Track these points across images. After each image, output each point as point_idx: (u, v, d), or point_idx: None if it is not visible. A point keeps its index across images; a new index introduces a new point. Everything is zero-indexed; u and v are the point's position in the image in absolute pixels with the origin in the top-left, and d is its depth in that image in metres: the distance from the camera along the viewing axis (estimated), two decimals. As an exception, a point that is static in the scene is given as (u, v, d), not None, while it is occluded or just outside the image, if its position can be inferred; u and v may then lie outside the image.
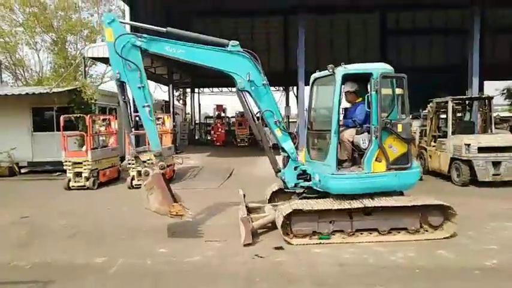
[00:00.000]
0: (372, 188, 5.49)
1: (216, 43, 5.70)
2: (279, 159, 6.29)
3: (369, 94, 5.50)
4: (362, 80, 5.84)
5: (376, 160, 5.46)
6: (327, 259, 4.79)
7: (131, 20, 13.28)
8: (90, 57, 16.09)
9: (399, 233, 5.47)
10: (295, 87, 26.81)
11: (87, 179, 9.96)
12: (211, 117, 26.31)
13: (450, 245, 5.20)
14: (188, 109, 30.07)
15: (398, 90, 5.82)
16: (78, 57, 22.03)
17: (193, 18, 23.35)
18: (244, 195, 6.71)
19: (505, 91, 25.62)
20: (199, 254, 5.07)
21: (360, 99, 5.99)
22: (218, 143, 21.65)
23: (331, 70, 5.53)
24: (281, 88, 28.29)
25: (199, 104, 30.58)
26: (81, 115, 11.13)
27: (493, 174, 9.17)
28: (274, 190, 6.74)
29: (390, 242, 5.31)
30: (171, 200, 5.54)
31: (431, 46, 23.13)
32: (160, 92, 23.24)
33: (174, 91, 24.19)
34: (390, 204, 5.34)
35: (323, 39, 22.12)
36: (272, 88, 32.60)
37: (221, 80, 26.97)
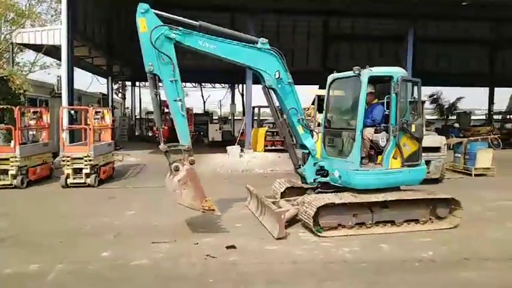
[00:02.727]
0: (390, 183, 5.96)
1: (245, 39, 5.79)
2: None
3: (388, 96, 5.88)
4: (376, 82, 6.20)
5: (393, 157, 5.88)
6: (280, 257, 4.82)
7: (68, 7, 12.27)
8: (19, 44, 14.61)
9: (416, 223, 5.92)
10: (240, 85, 26.93)
11: (15, 176, 9.03)
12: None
13: (391, 238, 5.52)
14: (128, 103, 28.71)
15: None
16: (2, 43, 19.88)
17: (136, 9, 22.30)
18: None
19: (431, 97, 28.00)
20: (146, 256, 4.82)
21: (376, 100, 6.34)
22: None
23: (357, 72, 5.80)
24: (226, 85, 28.15)
25: (140, 99, 29.33)
26: (9, 107, 10.05)
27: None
28: (286, 186, 6.95)
29: (406, 232, 5.73)
30: (204, 195, 5.43)
31: (368, 52, 24.54)
32: (97, 84, 21.86)
33: (113, 84, 22.91)
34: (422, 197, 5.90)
35: (269, 38, 22.31)
36: (218, 85, 32.43)
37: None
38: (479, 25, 23.91)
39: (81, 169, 9.30)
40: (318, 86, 18.22)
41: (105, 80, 21.40)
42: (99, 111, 11.28)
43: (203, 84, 31.22)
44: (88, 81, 21.33)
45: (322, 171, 6.27)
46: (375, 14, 21.65)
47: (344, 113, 6.72)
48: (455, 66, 25.28)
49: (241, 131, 14.85)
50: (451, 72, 24.76)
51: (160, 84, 5.60)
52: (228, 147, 13.42)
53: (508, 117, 23.86)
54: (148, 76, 5.41)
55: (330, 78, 6.59)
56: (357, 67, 5.85)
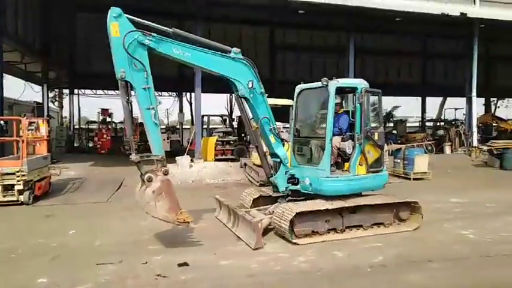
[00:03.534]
0: (358, 189, 6.25)
1: (218, 48, 5.79)
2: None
3: (353, 105, 6.17)
4: (340, 92, 6.42)
5: (359, 164, 6.15)
6: (236, 271, 4.69)
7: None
8: None
9: (379, 227, 6.21)
10: (188, 93, 26.43)
11: None
12: (95, 122, 23.98)
13: (344, 245, 5.63)
14: (65, 112, 26.85)
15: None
16: None
17: (75, 13, 21.19)
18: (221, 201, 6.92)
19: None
20: (90, 280, 4.43)
21: (342, 109, 6.54)
22: (103, 151, 19.79)
23: (325, 83, 5.99)
24: (174, 94, 27.45)
25: (79, 107, 27.52)
26: None
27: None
28: (256, 196, 6.94)
29: (375, 235, 5.96)
30: (179, 207, 5.18)
31: (312, 63, 25.43)
32: (31, 92, 20.18)
33: (49, 92, 21.32)
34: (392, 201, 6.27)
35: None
36: (165, 94, 31.45)
37: (106, 81, 24.90)
38: (411, 39, 25.90)
39: (12, 185, 8.44)
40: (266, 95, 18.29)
41: (40, 87, 19.84)
42: (34, 122, 10.38)
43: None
44: (20, 89, 19.55)
45: (292, 179, 6.37)
46: (318, 26, 22.58)
47: (312, 122, 6.95)
48: (391, 77, 27.02)
49: (190, 140, 14.50)
50: (388, 83, 26.37)
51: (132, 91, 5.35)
52: (177, 158, 13.01)
53: (438, 124, 25.93)
54: (119, 83, 5.17)
55: (297, 88, 6.77)
56: (325, 78, 6.07)
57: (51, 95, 26.07)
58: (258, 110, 6.10)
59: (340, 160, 6.43)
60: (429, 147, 16.74)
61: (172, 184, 5.28)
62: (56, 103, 27.90)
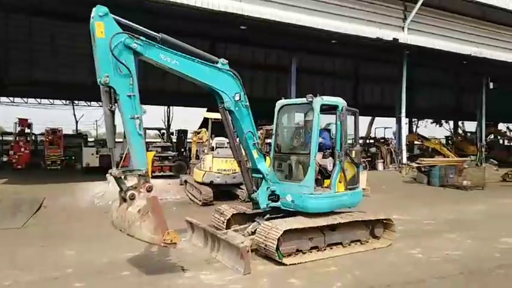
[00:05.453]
0: (338, 206, 6.25)
1: (206, 58, 5.64)
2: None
3: (335, 123, 6.18)
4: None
5: (338, 181, 6.12)
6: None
7: None
8: None
9: (356, 244, 6.25)
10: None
11: None
12: (11, 133, 21.34)
13: (299, 270, 5.27)
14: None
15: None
16: None
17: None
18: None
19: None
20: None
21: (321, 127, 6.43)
22: (20, 166, 17.52)
23: (310, 99, 5.95)
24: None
25: (-8, 117, 24.44)
26: None
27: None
28: (229, 216, 6.59)
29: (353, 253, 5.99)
30: (166, 226, 4.66)
31: (252, 79, 25.54)
32: None
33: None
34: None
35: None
36: (94, 103, 29.16)
37: (26, 88, 22.40)
38: (344, 61, 27.36)
39: None
40: (206, 109, 17.82)
41: None
42: None
43: (76, 102, 27.94)
44: None
45: (273, 196, 6.23)
46: (260, 44, 22.80)
47: (294, 138, 6.89)
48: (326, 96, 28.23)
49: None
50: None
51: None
52: (108, 175, 11.82)
53: (368, 142, 27.46)
54: (102, 89, 4.77)
55: (278, 104, 6.72)
56: (310, 95, 6.07)
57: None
58: (243, 124, 5.95)
59: (320, 177, 6.35)
60: (362, 164, 17.42)
61: (159, 202, 4.78)
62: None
